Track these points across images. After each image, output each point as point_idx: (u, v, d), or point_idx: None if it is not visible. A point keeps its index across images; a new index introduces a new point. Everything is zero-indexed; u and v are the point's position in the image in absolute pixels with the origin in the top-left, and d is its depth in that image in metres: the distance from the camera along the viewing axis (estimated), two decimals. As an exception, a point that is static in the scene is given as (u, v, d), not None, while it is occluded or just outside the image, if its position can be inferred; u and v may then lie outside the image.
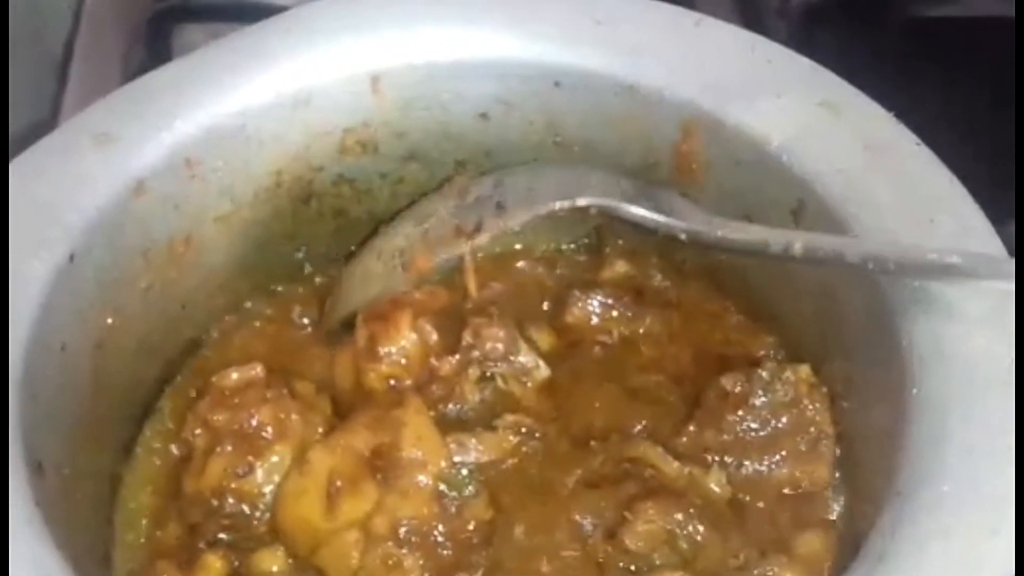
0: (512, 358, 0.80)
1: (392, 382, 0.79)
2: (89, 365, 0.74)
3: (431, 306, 0.81)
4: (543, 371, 0.81)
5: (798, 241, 0.71)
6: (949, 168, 0.75)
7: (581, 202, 0.79)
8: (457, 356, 0.79)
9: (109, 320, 0.76)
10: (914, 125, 0.78)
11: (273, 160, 0.85)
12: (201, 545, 0.72)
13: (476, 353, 0.80)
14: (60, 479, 0.68)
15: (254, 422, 0.76)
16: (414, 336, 0.79)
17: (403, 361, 0.79)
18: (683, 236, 0.78)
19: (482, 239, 0.81)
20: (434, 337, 0.80)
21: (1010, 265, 0.64)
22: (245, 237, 0.86)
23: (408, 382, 0.79)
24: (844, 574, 0.60)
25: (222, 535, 0.73)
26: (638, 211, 0.79)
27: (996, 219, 0.72)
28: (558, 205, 0.80)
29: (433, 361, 0.79)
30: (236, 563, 0.71)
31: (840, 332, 0.77)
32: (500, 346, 0.80)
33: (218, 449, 0.75)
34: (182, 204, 0.81)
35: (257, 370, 0.79)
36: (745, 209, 0.81)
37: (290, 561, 0.72)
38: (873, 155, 0.76)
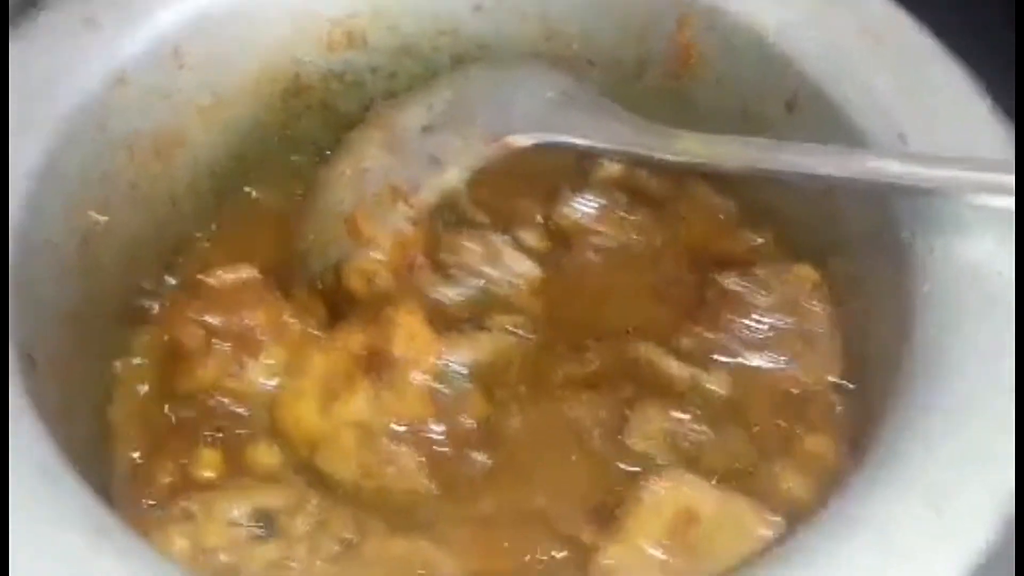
0: (496, 266, 0.79)
1: (374, 278, 0.77)
2: (77, 262, 0.72)
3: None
4: (533, 271, 0.80)
5: (740, 157, 0.70)
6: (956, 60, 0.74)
7: (517, 143, 0.76)
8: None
9: (95, 217, 0.74)
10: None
11: (260, 52, 0.82)
12: (198, 442, 0.71)
13: (460, 271, 0.79)
14: (53, 374, 0.66)
15: (248, 323, 0.74)
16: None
17: (379, 257, 0.77)
18: (621, 159, 0.77)
19: (421, 202, 0.77)
20: (407, 228, 0.77)
21: (1010, 180, 0.63)
22: (234, 131, 0.83)
23: (386, 276, 0.77)
24: (850, 475, 0.60)
25: (217, 433, 0.72)
26: (574, 141, 0.76)
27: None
28: (492, 153, 0.77)
29: (413, 254, 0.78)
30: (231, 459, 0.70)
31: (841, 230, 0.75)
32: (481, 261, 0.79)
33: (212, 349, 0.73)
34: (167, 96, 0.78)
35: (250, 271, 0.77)
36: (741, 101, 0.80)
37: (284, 457, 0.71)
38: (873, 43, 0.74)
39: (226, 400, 0.73)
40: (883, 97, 0.72)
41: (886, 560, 0.55)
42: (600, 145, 0.76)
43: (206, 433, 0.72)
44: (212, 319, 0.74)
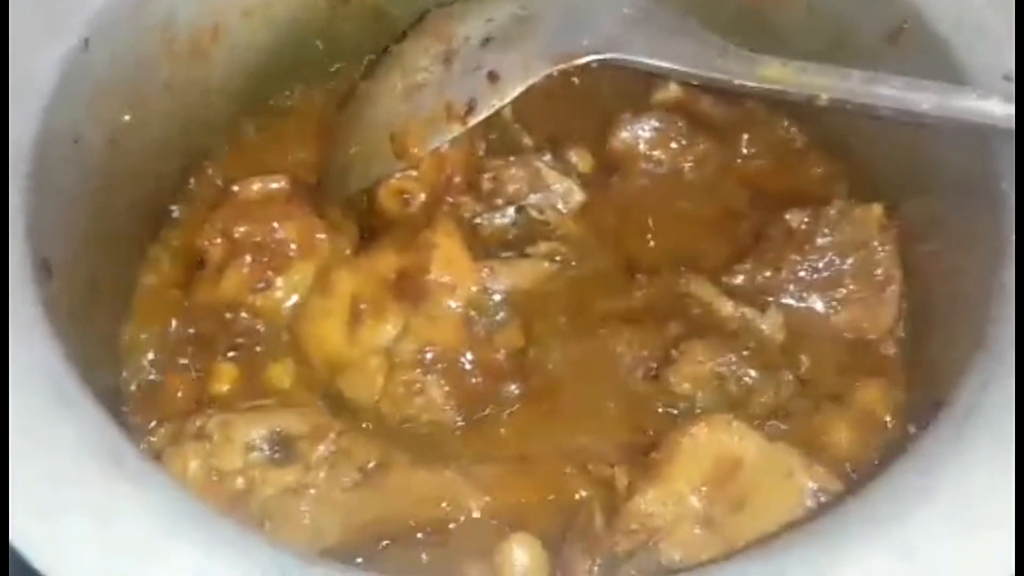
0: (539, 191, 0.75)
1: (406, 196, 0.73)
2: (103, 161, 0.69)
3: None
4: (578, 196, 0.75)
5: (833, 88, 0.64)
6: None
7: (583, 61, 0.72)
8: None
9: (126, 116, 0.70)
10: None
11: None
12: (215, 357, 0.69)
13: (499, 200, 0.74)
14: (68, 281, 0.63)
15: (277, 236, 0.71)
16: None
17: (413, 173, 0.73)
18: (695, 82, 0.71)
19: (475, 120, 0.73)
20: (445, 146, 0.73)
21: None
22: (276, 33, 0.79)
23: (421, 196, 0.73)
24: (925, 430, 0.55)
25: (233, 351, 0.69)
26: (647, 61, 0.71)
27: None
28: (556, 69, 0.72)
29: (450, 171, 0.73)
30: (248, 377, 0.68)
31: (927, 167, 0.70)
32: (523, 186, 0.74)
33: (236, 261, 0.70)
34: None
35: (282, 183, 0.73)
36: (837, 32, 0.74)
37: (305, 380, 0.68)
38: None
39: (246, 316, 0.70)
40: (993, 35, 0.66)
41: (959, 532, 0.50)
42: (676, 67, 0.71)
43: (222, 350, 0.69)
44: (240, 228, 0.71)
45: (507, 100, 0.73)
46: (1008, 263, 0.59)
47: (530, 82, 0.72)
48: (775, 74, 0.67)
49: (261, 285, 0.70)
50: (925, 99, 0.62)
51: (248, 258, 0.70)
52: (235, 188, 0.73)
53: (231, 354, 0.69)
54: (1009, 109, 0.60)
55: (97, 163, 0.68)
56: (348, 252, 0.72)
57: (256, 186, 0.73)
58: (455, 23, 0.77)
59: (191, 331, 0.70)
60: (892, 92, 0.63)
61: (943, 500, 0.51)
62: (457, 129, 0.72)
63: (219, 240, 0.71)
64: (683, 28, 0.72)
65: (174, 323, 0.71)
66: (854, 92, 0.64)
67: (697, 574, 0.50)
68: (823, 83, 0.66)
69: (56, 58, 0.64)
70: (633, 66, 0.72)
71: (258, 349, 0.69)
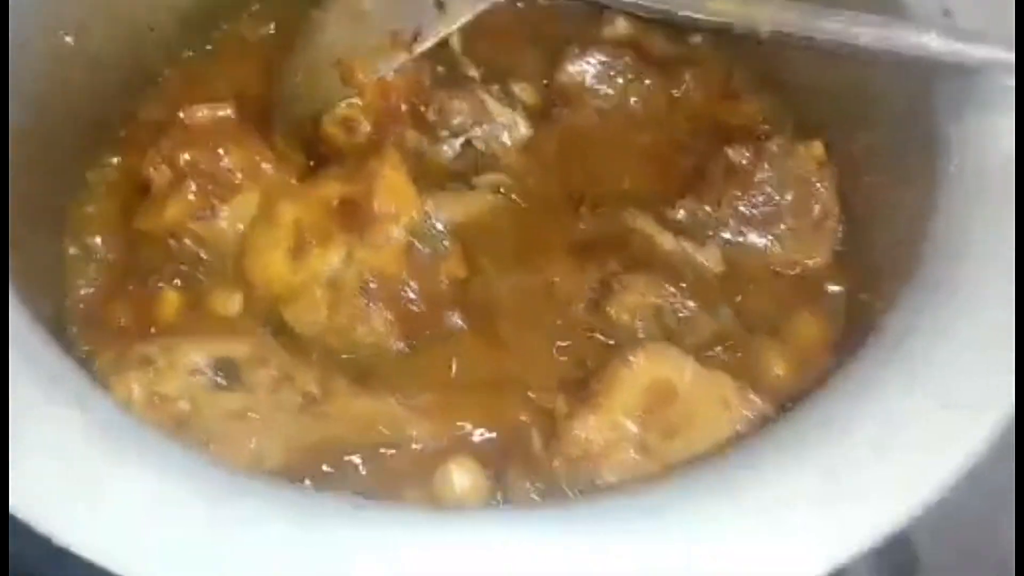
0: (484, 122, 0.75)
1: (351, 124, 0.73)
2: (43, 87, 0.68)
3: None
4: (523, 129, 0.76)
5: (776, 21, 0.65)
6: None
7: None
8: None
9: (67, 38, 0.70)
10: None
11: None
12: (158, 284, 0.68)
13: (444, 132, 0.74)
14: (12, 209, 0.63)
15: (223, 164, 0.70)
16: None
17: (358, 101, 0.73)
18: (642, 13, 0.72)
19: (421, 47, 0.73)
20: (390, 74, 0.73)
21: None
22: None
23: (366, 125, 0.73)
24: (856, 354, 0.56)
25: (177, 279, 0.69)
26: None
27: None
28: None
29: (394, 98, 0.73)
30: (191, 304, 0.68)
31: (864, 103, 0.71)
32: (468, 118, 0.74)
33: (181, 188, 0.69)
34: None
35: (228, 110, 0.72)
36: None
37: (248, 307, 0.68)
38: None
39: (190, 243, 0.69)
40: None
41: (881, 457, 0.51)
42: None
43: (165, 278, 0.69)
44: (185, 155, 0.70)
45: (453, 28, 0.73)
46: (938, 194, 0.60)
47: (477, 9, 0.73)
48: (720, 6, 0.68)
49: (206, 213, 0.69)
50: (865, 32, 0.63)
51: (193, 185, 0.69)
52: (180, 114, 0.72)
53: (175, 281, 0.69)
54: (947, 44, 0.61)
55: (37, 88, 0.68)
56: (294, 181, 0.71)
57: (202, 113, 0.72)
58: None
59: (134, 258, 0.70)
60: (832, 25, 0.65)
61: (868, 425, 0.52)
62: (403, 57, 0.72)
63: (164, 167, 0.70)
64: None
65: (116, 250, 0.71)
66: (795, 24, 0.65)
67: (627, 493, 0.51)
68: (766, 15, 0.66)
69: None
70: None
71: (201, 277, 0.69)
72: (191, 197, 0.69)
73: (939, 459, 0.50)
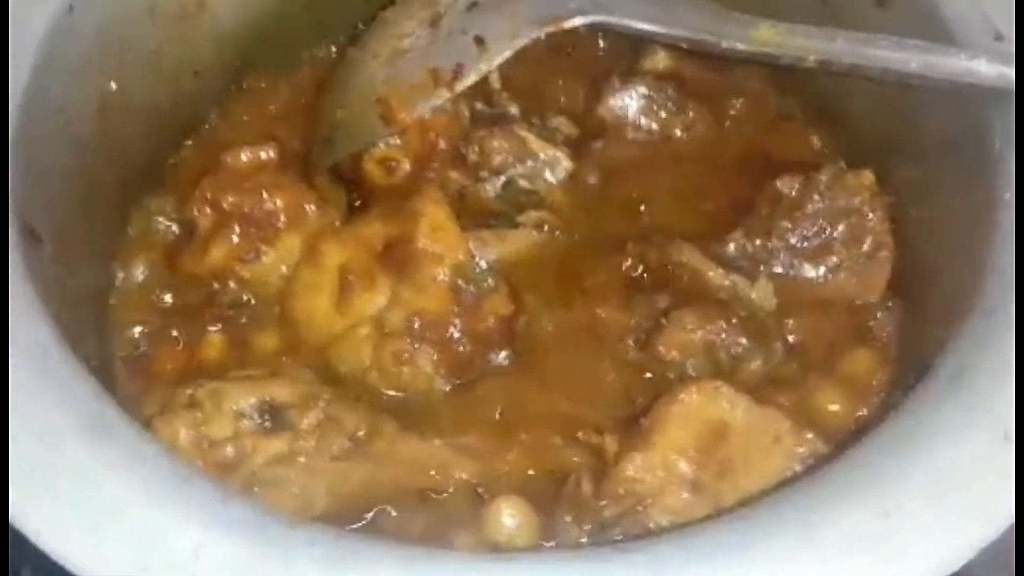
0: (526, 160, 0.74)
1: (391, 164, 0.73)
2: (90, 130, 0.69)
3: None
4: (565, 164, 0.75)
5: (823, 50, 0.65)
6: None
7: (570, 24, 0.71)
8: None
9: (112, 84, 0.70)
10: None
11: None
12: (205, 327, 0.69)
13: (485, 171, 0.74)
14: (55, 251, 0.63)
15: (266, 207, 0.71)
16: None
17: (398, 141, 0.73)
18: (685, 45, 0.71)
19: (462, 85, 0.72)
20: (428, 113, 0.73)
21: None
22: (262, 2, 0.79)
23: (406, 164, 0.73)
24: (912, 392, 0.54)
25: (221, 322, 0.69)
26: (635, 24, 0.71)
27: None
28: (544, 32, 0.72)
29: (433, 137, 0.73)
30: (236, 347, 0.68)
31: (915, 131, 0.70)
32: (509, 156, 0.74)
33: (225, 231, 0.70)
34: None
35: (271, 152, 0.73)
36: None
37: (294, 350, 0.68)
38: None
39: (235, 286, 0.70)
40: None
41: (940, 496, 0.49)
42: (665, 31, 0.71)
43: (210, 321, 0.69)
44: (227, 200, 0.70)
45: (494, 65, 0.72)
46: (1001, 225, 0.58)
47: (517, 46, 0.72)
48: (765, 36, 0.67)
49: (250, 256, 0.70)
50: (913, 59, 0.62)
51: (237, 228, 0.70)
52: (223, 157, 0.72)
53: (219, 324, 0.69)
54: (997, 69, 0.60)
55: (85, 133, 0.68)
56: (337, 223, 0.71)
57: (245, 155, 0.72)
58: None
59: (179, 300, 0.70)
60: (879, 52, 0.64)
61: (927, 464, 0.50)
62: (445, 95, 0.72)
63: (208, 210, 0.71)
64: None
65: (161, 293, 0.71)
66: (841, 52, 0.64)
67: (680, 534, 0.50)
68: (811, 45, 0.66)
69: (41, 24, 0.64)
70: (621, 30, 0.71)
71: (246, 319, 0.69)
72: (235, 240, 0.70)
73: (999, 496, 0.48)
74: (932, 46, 0.63)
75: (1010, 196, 0.59)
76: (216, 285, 0.70)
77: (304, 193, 0.72)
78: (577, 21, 0.72)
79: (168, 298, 0.71)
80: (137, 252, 0.73)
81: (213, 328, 0.69)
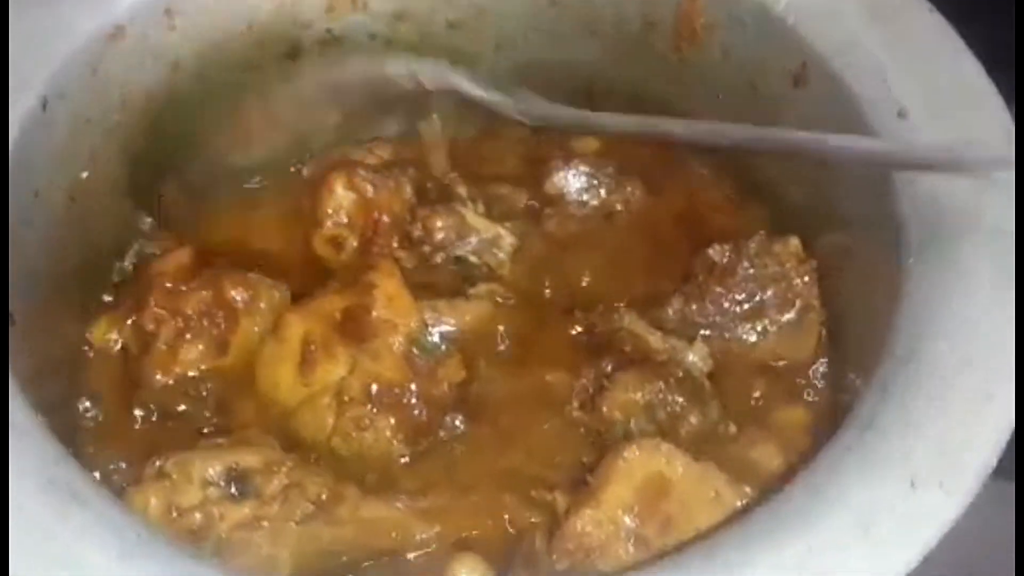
0: (471, 238, 0.79)
1: (339, 242, 0.78)
2: (64, 215, 0.73)
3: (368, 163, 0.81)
4: (509, 240, 0.79)
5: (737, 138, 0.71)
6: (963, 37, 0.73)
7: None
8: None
9: (84, 173, 0.74)
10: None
11: (257, 15, 0.82)
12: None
13: (427, 248, 0.78)
14: (29, 333, 0.66)
15: (225, 297, 0.74)
16: (351, 195, 0.78)
17: (345, 220, 0.78)
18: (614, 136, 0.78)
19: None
20: (370, 191, 0.78)
21: (1010, 156, 0.63)
22: (222, 98, 0.83)
23: (353, 242, 0.78)
24: (828, 442, 0.59)
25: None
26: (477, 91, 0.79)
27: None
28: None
29: (376, 215, 0.78)
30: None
31: (837, 202, 0.75)
32: (451, 234, 0.78)
33: (188, 336, 0.73)
34: (160, 55, 0.78)
35: (185, 257, 0.76)
36: (747, 75, 0.79)
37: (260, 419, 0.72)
38: (882, 20, 0.73)
39: (212, 385, 0.73)
40: (887, 73, 0.71)
41: (855, 536, 0.54)
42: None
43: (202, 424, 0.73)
44: (178, 305, 0.73)
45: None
46: (905, 283, 0.63)
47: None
48: (685, 129, 0.74)
49: (214, 353, 0.73)
50: (830, 138, 0.67)
51: (199, 329, 0.73)
52: (151, 271, 0.75)
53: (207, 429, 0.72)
54: (900, 147, 0.66)
55: (59, 218, 0.72)
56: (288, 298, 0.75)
57: (166, 265, 0.75)
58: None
59: (155, 417, 0.73)
60: (794, 138, 0.69)
61: (843, 510, 0.55)
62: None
63: (164, 316, 0.73)
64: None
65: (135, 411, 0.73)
66: (756, 139, 0.70)
67: (616, 577, 0.53)
68: (730, 133, 0.71)
69: (15, 119, 0.68)
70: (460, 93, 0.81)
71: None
72: (201, 341, 0.73)
73: (911, 538, 0.53)
74: (843, 137, 0.68)
75: (913, 261, 0.63)
76: (200, 388, 0.73)
77: (244, 279, 0.75)
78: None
79: (145, 414, 0.73)
80: (100, 358, 0.75)
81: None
